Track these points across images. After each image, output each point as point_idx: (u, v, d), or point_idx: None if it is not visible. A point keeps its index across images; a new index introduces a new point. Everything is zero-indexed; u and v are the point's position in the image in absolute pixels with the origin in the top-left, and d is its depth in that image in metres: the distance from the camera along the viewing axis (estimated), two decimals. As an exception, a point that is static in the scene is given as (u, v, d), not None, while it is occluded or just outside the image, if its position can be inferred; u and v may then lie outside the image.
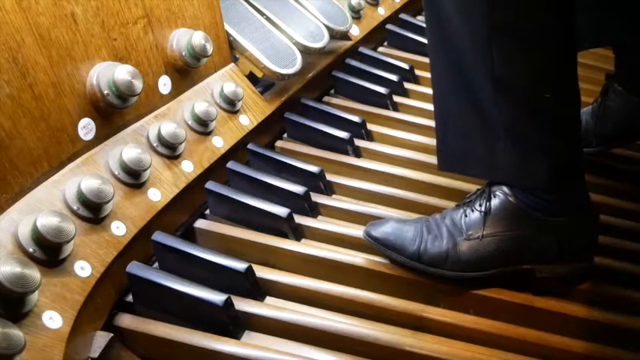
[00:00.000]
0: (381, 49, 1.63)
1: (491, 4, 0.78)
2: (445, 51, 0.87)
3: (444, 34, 0.85)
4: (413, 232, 0.93)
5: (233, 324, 0.83)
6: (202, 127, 1.04)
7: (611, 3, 1.00)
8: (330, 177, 1.16)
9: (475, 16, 0.80)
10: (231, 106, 1.12)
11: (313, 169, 1.13)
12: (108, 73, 0.87)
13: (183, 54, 1.02)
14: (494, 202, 0.89)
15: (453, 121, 0.91)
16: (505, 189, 0.89)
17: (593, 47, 1.07)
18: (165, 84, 1.02)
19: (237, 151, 1.11)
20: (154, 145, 0.96)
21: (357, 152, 1.25)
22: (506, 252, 0.89)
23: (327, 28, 1.36)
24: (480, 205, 0.90)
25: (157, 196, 0.92)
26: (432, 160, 1.12)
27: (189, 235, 1.00)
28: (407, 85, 1.47)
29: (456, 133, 0.92)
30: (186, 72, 1.06)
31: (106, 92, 0.87)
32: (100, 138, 0.90)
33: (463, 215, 0.92)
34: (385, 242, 0.93)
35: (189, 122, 1.03)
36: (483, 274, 0.90)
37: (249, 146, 1.15)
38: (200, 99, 1.06)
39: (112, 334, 0.80)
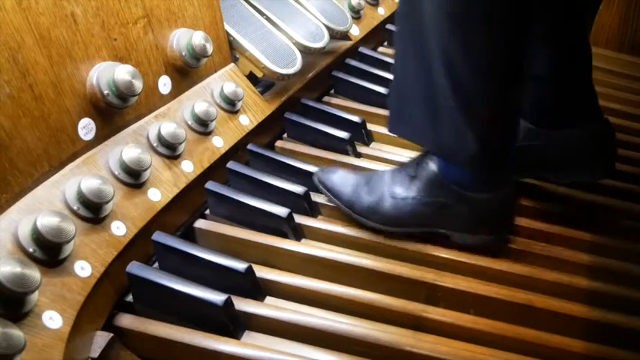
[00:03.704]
0: (381, 49, 1.63)
1: None
2: (412, 19, 0.89)
3: (412, 3, 0.88)
4: (354, 182, 1.04)
5: (233, 324, 0.83)
6: (202, 127, 1.04)
7: None
8: (330, 177, 1.16)
9: None
10: (231, 106, 1.12)
11: (313, 169, 1.13)
12: (108, 73, 0.87)
13: (183, 54, 1.02)
14: (422, 169, 0.98)
15: (408, 86, 0.95)
16: (435, 159, 0.97)
17: None
18: (165, 84, 1.02)
19: (237, 151, 1.11)
20: (154, 145, 0.96)
21: (357, 152, 1.25)
22: (423, 214, 0.98)
23: (327, 28, 1.36)
24: (411, 170, 1.00)
25: (157, 196, 0.92)
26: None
27: (189, 235, 1.00)
28: (407, 85, 1.47)
29: (407, 99, 0.97)
30: (186, 72, 1.06)
31: (106, 92, 0.87)
32: (100, 138, 0.90)
33: (397, 176, 1.01)
34: (326, 185, 1.06)
35: (189, 122, 1.03)
36: (401, 230, 1.00)
37: (249, 147, 1.15)
38: (200, 99, 1.06)
39: (112, 334, 0.79)
